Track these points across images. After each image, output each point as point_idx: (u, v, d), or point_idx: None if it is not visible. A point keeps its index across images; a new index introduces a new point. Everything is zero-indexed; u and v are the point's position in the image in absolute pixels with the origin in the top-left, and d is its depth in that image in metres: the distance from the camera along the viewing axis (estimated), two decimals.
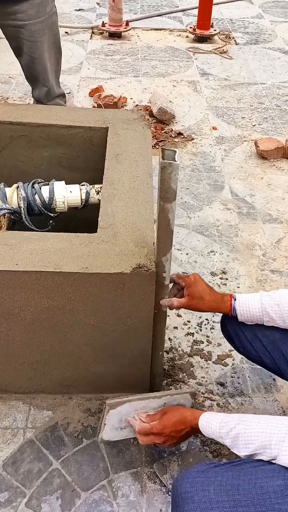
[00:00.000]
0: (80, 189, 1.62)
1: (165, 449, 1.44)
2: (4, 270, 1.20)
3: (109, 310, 1.30)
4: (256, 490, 0.97)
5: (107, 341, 1.39)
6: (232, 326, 1.36)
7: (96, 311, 1.31)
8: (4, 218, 1.57)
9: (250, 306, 1.28)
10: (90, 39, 4.28)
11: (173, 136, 2.92)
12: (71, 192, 1.61)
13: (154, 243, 1.30)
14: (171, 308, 1.31)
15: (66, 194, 1.60)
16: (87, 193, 1.62)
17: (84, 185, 1.64)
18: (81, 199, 1.61)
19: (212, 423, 1.11)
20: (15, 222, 1.62)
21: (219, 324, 1.82)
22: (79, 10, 4.90)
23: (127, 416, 1.29)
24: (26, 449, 1.43)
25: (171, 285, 1.32)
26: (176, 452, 1.44)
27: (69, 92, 3.36)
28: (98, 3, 5.07)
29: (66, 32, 4.34)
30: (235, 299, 1.30)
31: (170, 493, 1.36)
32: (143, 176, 1.56)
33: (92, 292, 1.25)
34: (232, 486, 1.00)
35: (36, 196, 1.58)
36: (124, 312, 1.31)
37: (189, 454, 1.44)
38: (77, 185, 1.63)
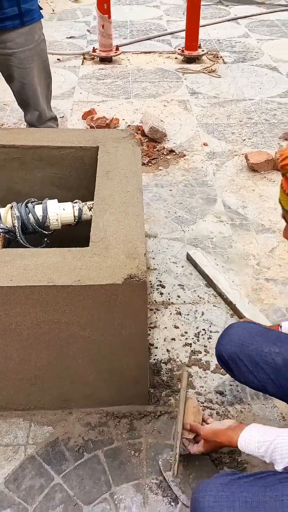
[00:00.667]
0: (73, 206, 1.66)
1: (171, 455, 1.44)
2: None
3: (103, 322, 1.33)
4: (284, 509, 0.97)
5: (104, 354, 1.41)
6: (230, 356, 1.34)
7: (91, 323, 1.33)
8: (0, 237, 1.60)
9: None
10: (82, 64, 4.40)
11: (165, 153, 2.98)
12: (64, 209, 1.65)
13: (145, 254, 1.33)
14: None
15: (59, 211, 1.64)
16: (80, 210, 1.66)
17: (76, 202, 1.68)
18: (74, 216, 1.65)
19: (250, 444, 1.12)
20: (10, 241, 1.66)
21: (216, 334, 1.84)
22: (71, 37, 5.05)
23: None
24: (27, 465, 1.44)
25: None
26: (183, 453, 1.44)
27: (63, 116, 3.44)
28: (88, 30, 5.23)
29: (58, 59, 4.47)
30: (281, 327, 1.45)
31: (173, 503, 1.36)
32: (133, 191, 1.60)
33: (86, 305, 1.28)
34: (258, 503, 0.99)
35: (30, 215, 1.63)
36: (119, 323, 1.33)
37: (195, 457, 1.44)
38: (70, 203, 1.68)
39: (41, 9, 2.04)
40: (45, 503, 1.36)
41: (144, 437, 1.51)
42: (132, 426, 1.53)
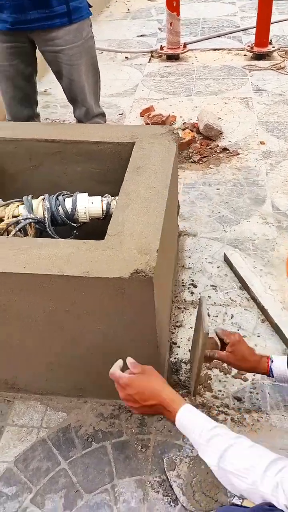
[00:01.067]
0: (102, 201, 1.69)
1: (177, 455, 1.43)
2: (13, 272, 1.28)
3: (113, 315, 1.34)
4: None
5: (115, 347, 1.42)
6: None
7: (100, 316, 1.35)
8: (31, 227, 1.67)
9: (286, 367, 1.33)
10: (149, 62, 4.44)
11: (218, 151, 2.93)
12: (92, 203, 1.68)
13: (157, 250, 1.32)
14: (212, 358, 1.40)
15: (88, 205, 1.68)
16: (108, 204, 1.68)
17: (106, 196, 1.71)
18: (102, 210, 1.68)
19: (194, 428, 1.04)
20: (42, 232, 1.72)
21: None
22: (141, 36, 5.11)
23: None
24: (37, 448, 1.49)
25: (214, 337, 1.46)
26: (190, 454, 1.43)
27: (122, 113, 3.50)
28: (160, 28, 5.25)
29: (126, 57, 4.54)
30: (272, 361, 1.38)
31: (172, 503, 1.34)
32: (160, 187, 1.59)
33: (95, 297, 1.30)
34: None
35: (60, 207, 1.68)
36: (127, 318, 1.34)
37: (201, 461, 1.41)
38: (99, 197, 1.70)
39: (91, 6, 2.09)
40: (48, 485, 1.40)
41: (154, 434, 1.50)
42: (143, 421, 1.53)
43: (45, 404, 1.61)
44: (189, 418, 1.07)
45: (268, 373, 1.38)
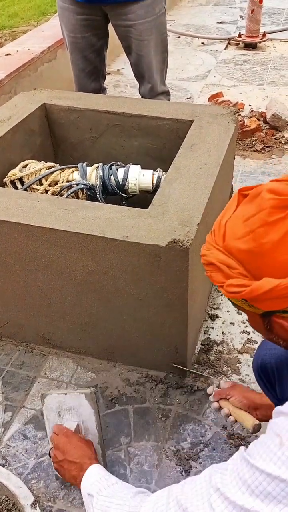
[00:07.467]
0: (153, 174, 1.72)
1: (188, 435, 1.45)
2: (57, 229, 1.35)
3: (147, 282, 1.37)
4: None
5: (147, 314, 1.46)
6: (279, 364, 1.12)
7: (136, 281, 1.38)
8: (82, 193, 1.74)
9: None
10: (225, 49, 4.37)
11: (283, 142, 2.85)
12: (143, 176, 1.72)
13: (198, 224, 1.33)
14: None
15: (139, 177, 1.71)
16: (159, 178, 1.71)
17: (158, 170, 1.74)
18: (152, 183, 1.71)
19: None
20: (92, 199, 1.78)
21: None
22: (221, 22, 5.03)
23: None
24: None
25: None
26: (202, 441, 1.44)
27: (190, 97, 3.49)
28: (241, 16, 5.14)
29: (202, 43, 4.50)
30: None
31: (184, 473, 1.37)
32: (211, 165, 1.59)
33: (132, 261, 1.34)
34: None
35: (112, 177, 1.72)
36: (161, 286, 1.36)
37: (217, 444, 1.43)
38: (151, 170, 1.73)
39: None
40: None
41: (175, 406, 1.53)
42: (166, 392, 1.56)
43: (76, 363, 1.68)
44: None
45: None
